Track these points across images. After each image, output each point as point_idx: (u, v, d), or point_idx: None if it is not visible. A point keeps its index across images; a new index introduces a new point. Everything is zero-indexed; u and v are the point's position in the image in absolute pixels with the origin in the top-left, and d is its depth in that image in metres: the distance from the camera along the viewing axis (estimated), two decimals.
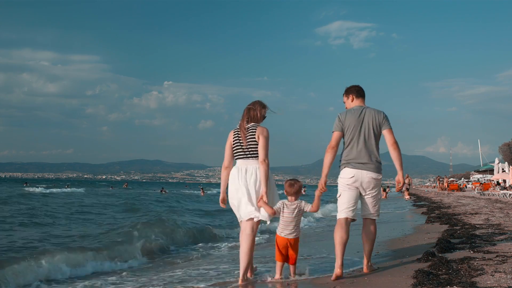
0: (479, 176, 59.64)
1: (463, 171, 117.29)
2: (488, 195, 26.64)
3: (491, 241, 5.25)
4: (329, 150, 3.94)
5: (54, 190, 33.64)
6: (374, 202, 3.97)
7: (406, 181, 27.69)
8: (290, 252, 3.96)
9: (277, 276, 4.00)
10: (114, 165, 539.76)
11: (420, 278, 3.37)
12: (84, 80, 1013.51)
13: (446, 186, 45.16)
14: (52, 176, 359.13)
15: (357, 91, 4.13)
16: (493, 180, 44.23)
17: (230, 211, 4.29)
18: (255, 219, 3.89)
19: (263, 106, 4.09)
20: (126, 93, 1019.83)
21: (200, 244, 7.56)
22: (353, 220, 3.95)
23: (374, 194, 3.95)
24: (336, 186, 4.03)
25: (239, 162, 3.99)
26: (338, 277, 3.77)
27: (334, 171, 4.12)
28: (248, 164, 3.93)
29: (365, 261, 4.04)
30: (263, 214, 3.89)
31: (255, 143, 3.92)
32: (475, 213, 10.31)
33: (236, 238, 7.10)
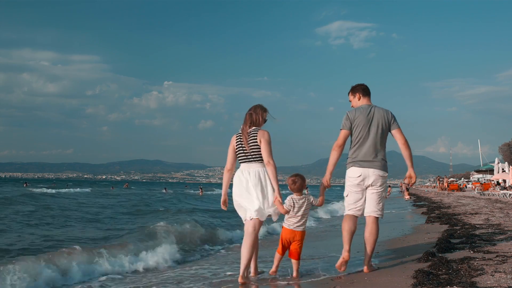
0: (479, 176, 59.65)
1: (463, 171, 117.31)
2: (488, 195, 26.64)
3: (491, 241, 5.25)
4: (336, 148, 3.98)
5: (63, 190, 34.02)
6: (379, 199, 3.99)
7: (406, 181, 27.66)
8: (295, 246, 3.96)
9: (274, 268, 4.06)
10: (114, 165, 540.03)
11: (420, 278, 3.36)
12: (84, 80, 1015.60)
13: (446, 186, 45.19)
14: (52, 176, 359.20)
15: (363, 90, 4.17)
16: (493, 180, 44.23)
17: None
18: (261, 219, 3.96)
19: (264, 110, 4.17)
20: (126, 93, 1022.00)
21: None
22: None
23: (379, 190, 3.99)
24: (338, 186, 4.08)
25: (242, 165, 4.07)
26: (346, 261, 3.91)
27: (336, 171, 4.18)
28: (251, 167, 4.01)
29: (365, 261, 4.03)
30: (269, 212, 3.98)
31: (257, 146, 3.99)
32: (475, 213, 10.31)
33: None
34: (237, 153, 4.11)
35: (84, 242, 6.91)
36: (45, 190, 32.22)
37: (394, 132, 4.03)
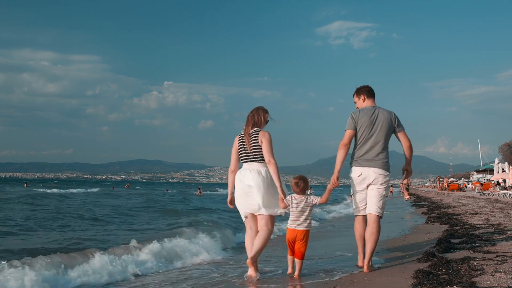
0: (479, 176, 59.70)
1: (463, 171, 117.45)
2: (488, 195, 26.65)
3: (491, 241, 5.25)
4: (342, 147, 4.08)
5: (75, 190, 34.34)
6: (379, 196, 4.06)
7: (405, 181, 27.69)
8: (298, 245, 3.98)
9: (289, 270, 4.12)
10: (114, 165, 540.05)
11: (420, 278, 3.37)
12: (84, 80, 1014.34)
13: (446, 186, 45.20)
14: (52, 176, 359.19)
15: (368, 91, 4.27)
16: (493, 180, 44.26)
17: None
18: (263, 213, 4.12)
19: (265, 111, 4.31)
20: (126, 93, 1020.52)
21: None
22: None
23: (380, 188, 4.06)
24: (341, 186, 4.14)
25: (244, 165, 4.22)
26: (361, 266, 4.11)
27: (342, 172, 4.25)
28: (253, 167, 4.15)
29: (365, 260, 4.03)
30: (272, 208, 4.13)
31: (258, 147, 4.13)
32: (475, 213, 10.32)
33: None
34: (239, 153, 4.26)
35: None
36: (55, 190, 32.30)
37: (400, 134, 4.15)
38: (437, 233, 6.54)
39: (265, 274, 4.28)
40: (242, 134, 4.27)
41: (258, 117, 4.25)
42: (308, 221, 4.02)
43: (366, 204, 4.12)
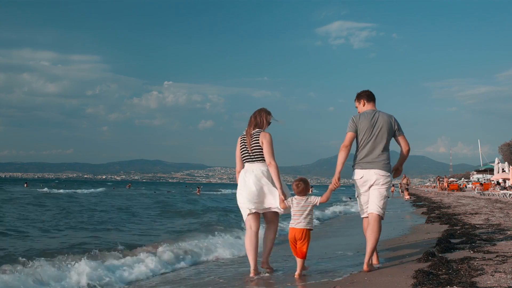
0: (479, 176, 59.73)
1: (463, 171, 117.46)
2: (488, 195, 26.67)
3: (491, 241, 5.25)
4: (343, 148, 4.18)
5: (79, 191, 34.78)
6: (380, 196, 4.13)
7: (404, 181, 27.74)
8: (299, 245, 4.01)
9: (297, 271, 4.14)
10: (114, 165, 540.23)
11: (420, 278, 3.37)
12: (84, 80, 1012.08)
13: (446, 186, 45.22)
14: (52, 176, 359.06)
15: (367, 96, 4.40)
16: (493, 180, 44.27)
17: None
18: (265, 210, 4.28)
19: (268, 113, 4.44)
20: (126, 93, 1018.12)
21: None
22: None
23: (381, 188, 4.14)
24: (343, 187, 4.17)
25: (246, 165, 4.36)
26: (372, 265, 4.17)
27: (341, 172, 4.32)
28: (254, 166, 4.29)
29: (366, 258, 4.05)
30: (272, 207, 4.26)
31: (259, 147, 4.27)
32: (475, 213, 10.32)
33: None
34: (241, 153, 4.39)
35: None
36: (61, 191, 32.54)
37: (400, 139, 4.28)
38: (437, 233, 6.55)
39: (264, 274, 4.29)
40: (244, 135, 4.40)
41: (260, 118, 4.39)
42: (307, 220, 4.04)
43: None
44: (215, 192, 42.67)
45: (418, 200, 22.75)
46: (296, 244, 4.02)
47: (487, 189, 33.02)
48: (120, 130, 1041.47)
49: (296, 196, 4.13)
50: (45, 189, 33.27)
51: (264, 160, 4.25)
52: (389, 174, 4.17)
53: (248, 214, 4.29)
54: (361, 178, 4.17)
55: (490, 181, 47.03)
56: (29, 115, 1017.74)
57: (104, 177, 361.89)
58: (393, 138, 4.29)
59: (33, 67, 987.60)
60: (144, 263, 5.36)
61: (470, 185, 53.55)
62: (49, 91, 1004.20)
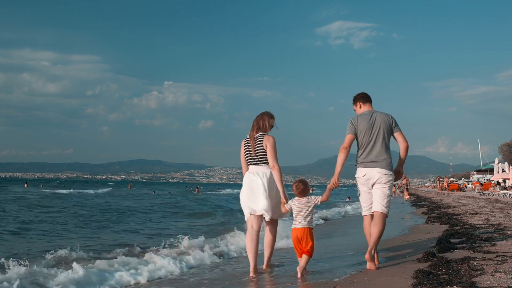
0: (479, 176, 59.70)
1: (463, 171, 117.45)
2: (488, 195, 26.67)
3: (491, 241, 5.25)
4: (342, 150, 4.32)
5: (86, 191, 34.84)
6: (383, 195, 4.23)
7: (404, 181, 27.76)
8: (303, 244, 4.05)
9: (299, 273, 4.14)
10: (114, 165, 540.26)
11: (420, 278, 3.37)
12: (84, 80, 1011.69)
13: (446, 186, 45.26)
14: (52, 176, 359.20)
15: (362, 98, 4.53)
16: (493, 180, 44.27)
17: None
18: (264, 215, 4.35)
19: (270, 116, 4.53)
20: (126, 93, 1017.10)
21: None
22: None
23: (384, 187, 4.24)
24: (345, 186, 4.20)
25: (251, 168, 4.46)
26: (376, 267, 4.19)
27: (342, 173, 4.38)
28: (259, 169, 4.39)
29: (369, 248, 4.14)
30: (274, 211, 4.35)
31: (263, 150, 4.36)
32: (475, 213, 10.32)
33: None
34: (245, 156, 4.49)
35: None
36: (71, 191, 32.50)
37: (397, 135, 4.36)
38: (437, 233, 6.55)
39: (264, 274, 4.29)
40: (248, 138, 4.49)
41: (263, 122, 4.48)
42: (308, 219, 4.10)
43: (371, 203, 4.31)
44: (218, 191, 43.37)
45: (418, 200, 22.76)
46: (301, 244, 4.05)
47: (487, 189, 33.01)
48: (120, 130, 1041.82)
49: (296, 198, 4.20)
50: (57, 190, 33.17)
51: (268, 162, 4.34)
52: (391, 173, 4.27)
53: (250, 214, 4.37)
54: (363, 176, 4.29)
55: (490, 181, 47.02)
56: (29, 115, 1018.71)
57: (104, 177, 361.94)
58: (392, 138, 4.39)
59: (33, 67, 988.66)
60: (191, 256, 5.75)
61: (470, 185, 53.53)
62: (49, 91, 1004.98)
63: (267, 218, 4.36)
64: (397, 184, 27.43)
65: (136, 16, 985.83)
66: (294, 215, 4.16)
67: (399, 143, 4.38)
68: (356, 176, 4.40)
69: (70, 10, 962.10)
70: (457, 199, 21.18)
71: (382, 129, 4.29)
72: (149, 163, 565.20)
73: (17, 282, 4.03)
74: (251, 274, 4.23)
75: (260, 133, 4.44)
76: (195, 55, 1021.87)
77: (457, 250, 4.68)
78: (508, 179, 36.53)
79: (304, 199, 4.16)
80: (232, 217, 13.00)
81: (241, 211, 4.58)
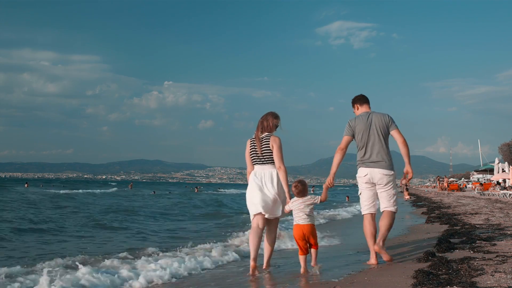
0: (479, 176, 59.68)
1: (463, 171, 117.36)
2: (488, 195, 26.67)
3: (491, 241, 5.25)
4: (339, 151, 4.49)
5: (96, 190, 35.31)
6: (389, 196, 4.42)
7: (404, 181, 27.77)
8: (311, 240, 4.19)
9: (302, 270, 4.22)
10: (114, 165, 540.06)
11: (420, 278, 3.37)
12: (84, 80, 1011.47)
13: (446, 186, 45.27)
14: (52, 176, 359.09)
15: (359, 99, 4.65)
16: (493, 180, 44.26)
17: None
18: (268, 215, 4.39)
19: (275, 116, 4.59)
20: (126, 93, 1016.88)
21: None
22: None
23: (388, 189, 4.41)
24: (350, 186, 4.25)
25: (256, 167, 4.52)
26: (375, 265, 4.28)
27: (339, 174, 4.48)
28: (265, 168, 4.45)
29: (377, 239, 4.35)
30: (278, 210, 4.43)
31: (269, 150, 4.43)
32: (475, 213, 10.32)
33: None
34: (251, 156, 4.54)
35: None
36: (80, 191, 32.54)
37: (393, 132, 4.44)
38: (437, 233, 6.55)
39: (264, 273, 4.29)
40: (254, 138, 4.56)
41: (267, 123, 4.54)
42: (310, 217, 4.24)
43: (373, 201, 4.44)
44: (218, 191, 43.85)
45: (418, 200, 22.77)
46: (306, 240, 4.18)
47: (487, 189, 33.01)
48: (120, 130, 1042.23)
49: (295, 198, 4.29)
50: (62, 191, 33.18)
51: (274, 162, 4.42)
52: (392, 172, 4.40)
53: (255, 215, 4.44)
54: (365, 175, 4.41)
55: (490, 181, 47.01)
56: (29, 115, 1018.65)
57: (104, 177, 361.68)
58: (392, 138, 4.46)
59: (33, 67, 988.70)
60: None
61: (470, 185, 53.51)
62: (49, 91, 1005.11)
63: (268, 216, 4.40)
64: (402, 184, 27.42)
65: (136, 16, 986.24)
66: (295, 213, 4.25)
67: (396, 140, 4.45)
68: (357, 175, 4.50)
69: (70, 10, 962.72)
70: (457, 199, 21.18)
71: (379, 129, 4.40)
72: (149, 163, 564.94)
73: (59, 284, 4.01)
74: (252, 263, 4.29)
75: (266, 133, 4.51)
76: (195, 55, 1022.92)
77: (457, 250, 4.68)
78: (508, 179, 36.53)
79: (304, 198, 4.25)
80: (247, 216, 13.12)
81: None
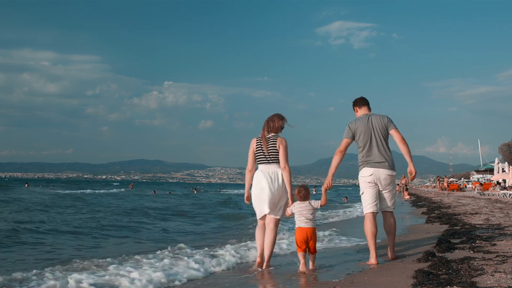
0: (479, 176, 59.69)
1: (463, 171, 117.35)
2: (488, 195, 26.66)
3: (491, 241, 5.25)
4: (338, 153, 4.55)
5: (102, 191, 35.11)
6: (391, 196, 4.57)
7: (403, 181, 27.77)
8: (310, 243, 4.29)
9: (301, 267, 4.27)
10: (114, 165, 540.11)
11: (420, 278, 3.37)
12: (84, 80, 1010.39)
13: (446, 186, 45.23)
14: (52, 176, 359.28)
15: (359, 102, 4.74)
16: (493, 180, 44.25)
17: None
18: (274, 216, 4.52)
19: (281, 118, 4.70)
20: (126, 93, 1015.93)
21: None
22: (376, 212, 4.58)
23: (390, 189, 4.54)
24: (342, 186, 4.29)
25: (261, 166, 4.62)
26: (375, 266, 4.34)
27: (338, 174, 4.54)
28: (270, 168, 4.55)
29: (389, 248, 4.60)
30: (281, 210, 4.55)
31: (275, 150, 4.54)
32: (475, 213, 10.31)
33: None
34: (256, 155, 4.64)
35: None
36: (88, 191, 32.43)
37: (392, 132, 4.51)
38: (437, 233, 6.55)
39: (263, 273, 4.29)
40: (260, 137, 4.65)
41: (273, 123, 4.64)
42: (312, 221, 4.34)
43: (376, 200, 4.51)
44: (218, 191, 44.19)
45: (418, 200, 22.74)
46: (308, 242, 4.27)
47: (487, 189, 33.00)
48: (120, 130, 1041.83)
49: (298, 202, 4.41)
50: (83, 191, 33.10)
51: (278, 162, 4.51)
52: (395, 173, 4.52)
53: (261, 217, 4.59)
54: (370, 175, 4.47)
55: (490, 181, 47.01)
56: (29, 115, 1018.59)
57: (104, 177, 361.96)
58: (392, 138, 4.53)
59: (33, 67, 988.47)
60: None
61: (470, 185, 53.49)
62: (49, 91, 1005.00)
63: (269, 215, 4.50)
64: (402, 183, 27.42)
65: (136, 16, 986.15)
66: (296, 217, 4.36)
67: (394, 139, 4.50)
68: (360, 175, 4.55)
69: (70, 10, 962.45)
70: (457, 199, 21.18)
71: (379, 130, 4.48)
72: (149, 163, 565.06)
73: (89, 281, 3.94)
74: (258, 259, 4.48)
75: (273, 134, 4.61)
76: (195, 55, 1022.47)
77: (457, 250, 4.68)
78: (508, 179, 36.53)
79: (306, 203, 4.37)
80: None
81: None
